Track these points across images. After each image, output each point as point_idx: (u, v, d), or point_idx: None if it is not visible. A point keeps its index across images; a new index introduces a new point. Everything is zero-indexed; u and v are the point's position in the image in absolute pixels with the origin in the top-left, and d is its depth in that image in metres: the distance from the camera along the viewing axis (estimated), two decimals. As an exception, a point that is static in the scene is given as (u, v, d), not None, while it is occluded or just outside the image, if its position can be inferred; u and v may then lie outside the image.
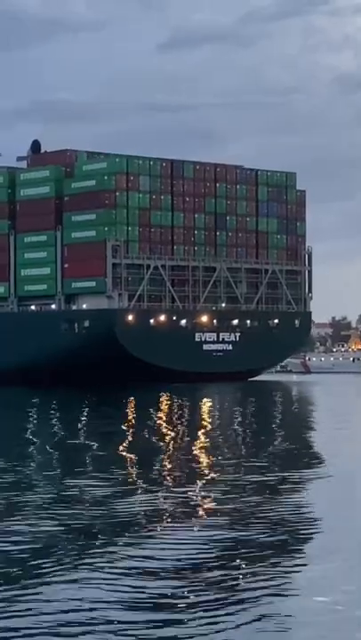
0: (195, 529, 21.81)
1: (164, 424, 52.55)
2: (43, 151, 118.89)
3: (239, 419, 58.82)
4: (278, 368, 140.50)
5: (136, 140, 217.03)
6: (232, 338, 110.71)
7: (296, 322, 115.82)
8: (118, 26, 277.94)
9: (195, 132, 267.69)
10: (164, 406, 69.09)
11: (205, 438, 44.07)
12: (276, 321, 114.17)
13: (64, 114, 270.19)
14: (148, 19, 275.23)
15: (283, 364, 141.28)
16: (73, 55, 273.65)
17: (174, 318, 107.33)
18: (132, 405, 70.47)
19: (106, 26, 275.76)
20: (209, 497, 26.48)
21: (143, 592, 16.33)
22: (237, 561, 18.62)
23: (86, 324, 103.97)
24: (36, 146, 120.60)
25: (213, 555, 19.08)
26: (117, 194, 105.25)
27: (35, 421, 55.45)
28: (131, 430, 48.96)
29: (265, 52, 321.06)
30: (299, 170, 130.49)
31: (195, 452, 37.84)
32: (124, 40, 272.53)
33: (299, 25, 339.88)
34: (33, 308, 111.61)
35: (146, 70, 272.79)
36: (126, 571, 17.73)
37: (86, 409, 67.84)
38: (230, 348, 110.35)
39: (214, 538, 20.70)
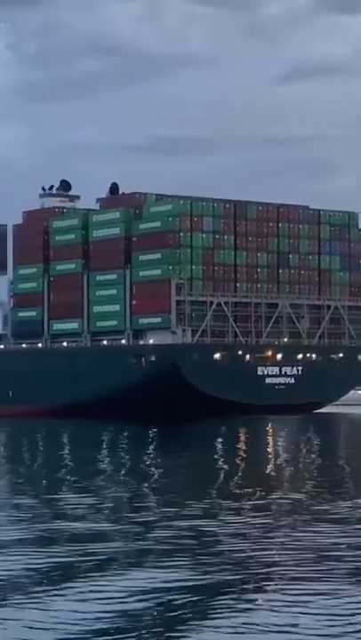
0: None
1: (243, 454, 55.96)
2: (121, 192, 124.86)
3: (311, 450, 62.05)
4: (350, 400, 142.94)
5: (244, 171, 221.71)
6: (294, 371, 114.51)
7: (359, 356, 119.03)
8: (234, 60, 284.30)
9: (303, 164, 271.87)
10: (241, 438, 73.31)
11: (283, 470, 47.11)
12: (340, 355, 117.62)
13: (178, 148, 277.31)
14: (264, 53, 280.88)
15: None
16: (188, 90, 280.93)
17: (238, 353, 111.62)
18: (211, 438, 73.30)
19: (222, 60, 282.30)
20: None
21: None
22: None
23: (152, 358, 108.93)
24: (114, 188, 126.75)
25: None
26: (181, 234, 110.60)
27: (125, 456, 58.43)
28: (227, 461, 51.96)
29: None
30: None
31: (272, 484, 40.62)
32: (239, 74, 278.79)
33: None
34: (105, 342, 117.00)
35: (259, 103, 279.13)
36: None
37: (154, 442, 72.00)
38: (293, 381, 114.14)
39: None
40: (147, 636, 17.06)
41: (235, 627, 17.51)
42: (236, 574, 22.15)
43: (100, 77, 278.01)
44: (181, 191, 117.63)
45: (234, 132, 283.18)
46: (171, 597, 19.82)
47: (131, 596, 19.93)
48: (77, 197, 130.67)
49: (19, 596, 19.99)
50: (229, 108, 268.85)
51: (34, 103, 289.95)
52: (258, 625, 17.58)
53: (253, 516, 31.17)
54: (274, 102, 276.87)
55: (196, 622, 17.92)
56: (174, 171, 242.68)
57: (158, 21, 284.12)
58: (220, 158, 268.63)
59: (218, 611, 18.75)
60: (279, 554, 24.65)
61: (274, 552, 24.91)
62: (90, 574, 22.13)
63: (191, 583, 21.14)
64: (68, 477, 44.21)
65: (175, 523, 29.70)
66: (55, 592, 20.36)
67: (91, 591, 20.35)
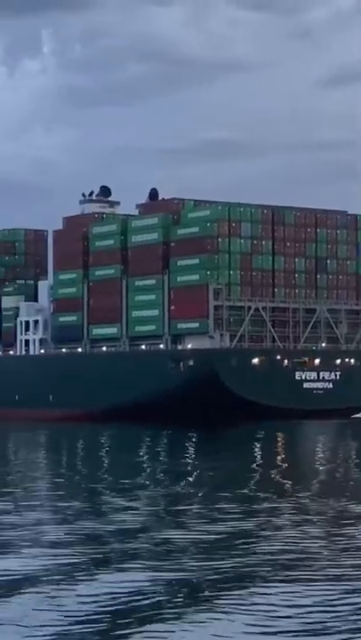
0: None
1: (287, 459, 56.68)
2: (160, 198, 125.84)
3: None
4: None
5: (285, 176, 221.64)
6: (332, 376, 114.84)
7: None
8: (279, 64, 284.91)
9: (344, 168, 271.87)
10: (279, 442, 74.04)
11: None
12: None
13: (222, 152, 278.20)
14: (309, 57, 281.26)
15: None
16: (233, 94, 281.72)
17: (276, 357, 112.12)
18: (253, 443, 74.27)
19: (267, 65, 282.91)
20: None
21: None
22: None
23: (190, 362, 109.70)
24: (153, 193, 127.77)
25: None
26: (219, 240, 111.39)
27: (164, 459, 59.65)
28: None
29: None
30: None
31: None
32: (284, 78, 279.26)
33: None
34: (143, 347, 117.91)
35: (303, 108, 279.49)
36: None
37: (193, 446, 72.90)
38: (330, 386, 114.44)
39: None
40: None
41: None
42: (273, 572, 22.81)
43: (144, 82, 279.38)
44: (222, 195, 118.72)
45: (278, 136, 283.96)
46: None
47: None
48: (117, 203, 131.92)
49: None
50: (274, 113, 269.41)
51: (78, 108, 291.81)
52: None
53: (287, 520, 31.81)
54: (318, 106, 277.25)
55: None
56: (216, 175, 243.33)
57: (203, 26, 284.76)
58: (263, 162, 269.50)
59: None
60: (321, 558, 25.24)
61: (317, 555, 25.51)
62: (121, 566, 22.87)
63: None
64: (110, 480, 45.02)
65: (210, 525, 30.40)
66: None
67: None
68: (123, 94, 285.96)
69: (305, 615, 19.16)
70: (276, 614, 19.17)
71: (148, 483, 43.57)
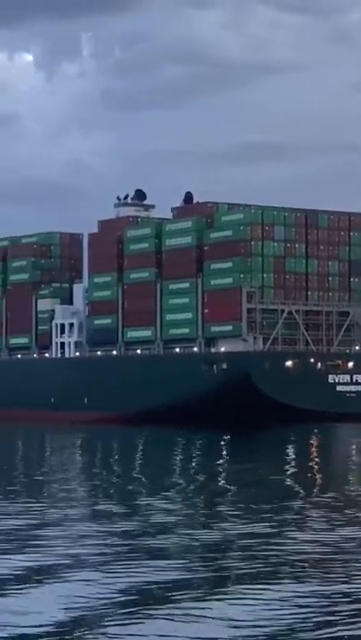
0: None
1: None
2: (195, 201, 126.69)
3: None
4: None
5: (321, 178, 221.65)
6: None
7: None
8: (318, 67, 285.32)
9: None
10: (312, 446, 74.63)
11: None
12: None
13: (260, 155, 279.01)
14: (347, 60, 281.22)
15: None
16: (272, 97, 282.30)
17: (309, 360, 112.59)
18: (286, 446, 74.83)
19: (306, 67, 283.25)
20: None
21: None
22: None
23: (224, 365, 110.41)
24: (188, 197, 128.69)
25: None
26: (252, 243, 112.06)
27: (199, 462, 60.32)
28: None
29: None
30: None
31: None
32: (322, 81, 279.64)
33: None
34: (177, 350, 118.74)
35: (341, 110, 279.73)
36: None
37: (226, 449, 73.58)
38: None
39: None
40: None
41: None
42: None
43: (182, 85, 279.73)
44: (257, 198, 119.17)
45: (314, 138, 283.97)
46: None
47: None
48: (152, 207, 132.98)
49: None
50: (312, 115, 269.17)
51: (116, 111, 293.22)
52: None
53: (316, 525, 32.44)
54: (354, 109, 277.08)
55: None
56: (251, 178, 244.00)
57: (242, 29, 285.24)
58: (298, 165, 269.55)
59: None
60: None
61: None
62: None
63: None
64: (144, 482, 45.82)
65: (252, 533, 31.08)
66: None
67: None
68: (161, 97, 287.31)
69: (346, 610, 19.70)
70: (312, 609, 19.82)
71: (182, 484, 44.25)
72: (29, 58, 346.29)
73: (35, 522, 32.16)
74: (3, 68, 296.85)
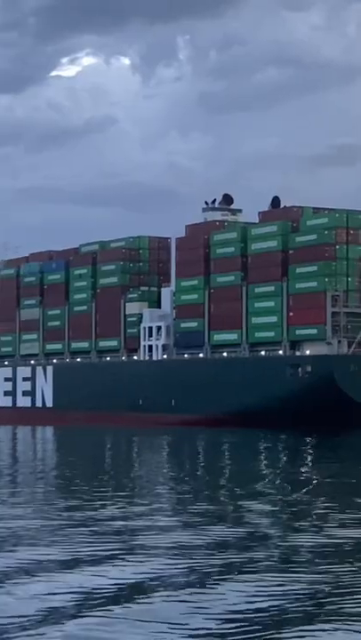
0: None
1: None
2: (282, 205, 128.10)
3: None
4: None
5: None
6: None
7: None
8: None
9: None
10: None
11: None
12: None
13: (354, 158, 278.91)
14: None
15: None
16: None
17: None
18: None
19: None
20: None
21: None
22: None
23: (308, 368, 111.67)
24: (275, 201, 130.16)
25: None
26: (337, 247, 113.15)
27: (284, 464, 61.37)
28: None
29: None
30: None
31: None
32: None
33: None
34: (263, 353, 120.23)
35: None
36: None
37: (312, 451, 74.67)
38: None
39: None
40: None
41: None
42: None
43: (280, 88, 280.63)
44: (345, 202, 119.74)
45: None
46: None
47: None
48: (239, 211, 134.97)
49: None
50: None
51: (215, 115, 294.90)
52: None
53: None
54: None
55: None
56: (342, 181, 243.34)
57: (338, 30, 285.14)
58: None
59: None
60: None
61: None
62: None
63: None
64: (230, 486, 47.33)
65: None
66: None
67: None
68: (257, 100, 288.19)
69: None
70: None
71: (269, 489, 45.39)
72: (126, 62, 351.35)
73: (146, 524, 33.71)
74: (100, 72, 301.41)
